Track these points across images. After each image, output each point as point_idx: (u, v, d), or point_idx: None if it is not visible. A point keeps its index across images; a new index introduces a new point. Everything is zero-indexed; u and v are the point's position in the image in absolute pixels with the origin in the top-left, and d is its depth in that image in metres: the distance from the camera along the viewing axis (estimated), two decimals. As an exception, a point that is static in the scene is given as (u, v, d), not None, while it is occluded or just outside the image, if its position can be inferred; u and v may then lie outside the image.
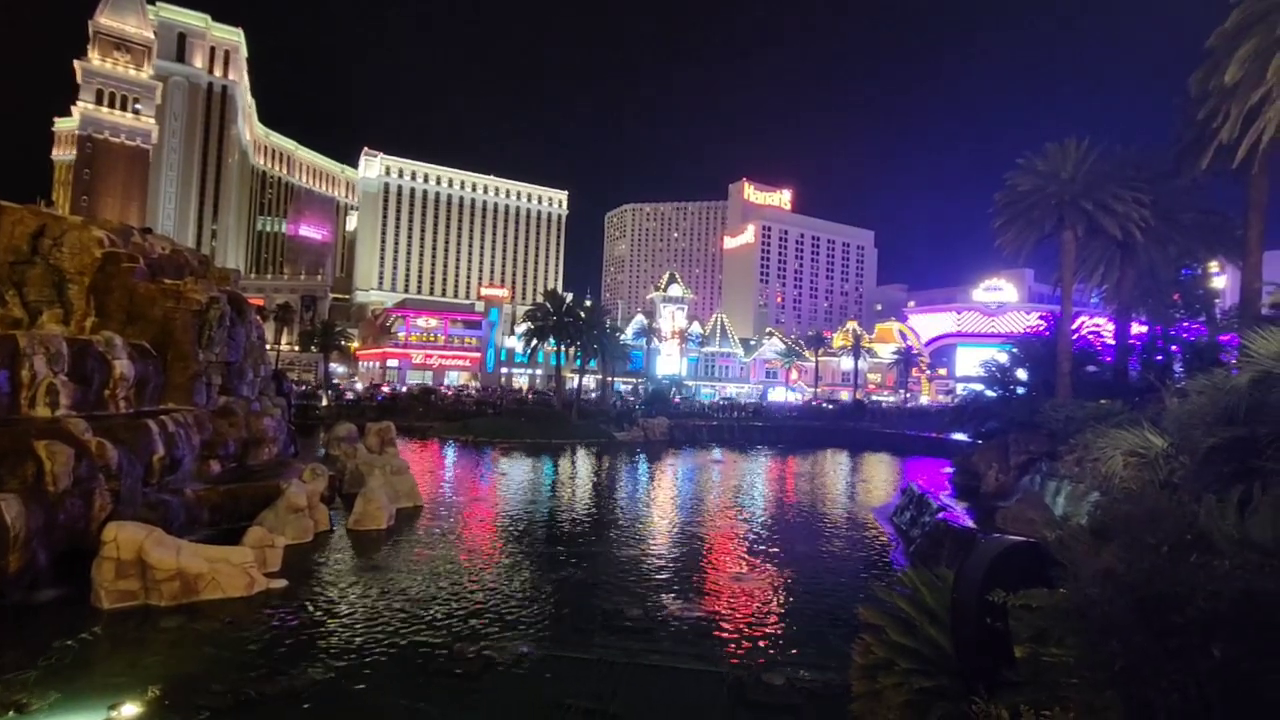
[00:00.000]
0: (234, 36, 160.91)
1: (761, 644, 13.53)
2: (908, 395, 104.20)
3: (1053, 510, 17.56)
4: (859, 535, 24.74)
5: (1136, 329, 31.00)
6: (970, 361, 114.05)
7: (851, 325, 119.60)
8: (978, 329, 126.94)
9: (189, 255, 28.65)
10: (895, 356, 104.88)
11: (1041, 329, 32.83)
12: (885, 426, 70.19)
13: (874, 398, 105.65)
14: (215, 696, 10.21)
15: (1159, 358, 27.67)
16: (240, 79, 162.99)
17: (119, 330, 20.62)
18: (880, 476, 43.63)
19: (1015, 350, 32.25)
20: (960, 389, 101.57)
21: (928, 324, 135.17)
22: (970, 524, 19.50)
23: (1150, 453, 11.54)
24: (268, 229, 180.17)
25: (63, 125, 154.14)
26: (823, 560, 20.87)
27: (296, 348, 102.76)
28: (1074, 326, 29.87)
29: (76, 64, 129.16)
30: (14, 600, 13.41)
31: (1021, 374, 31.02)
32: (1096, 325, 34.20)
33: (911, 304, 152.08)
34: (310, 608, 14.67)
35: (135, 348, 20.31)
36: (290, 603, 14.81)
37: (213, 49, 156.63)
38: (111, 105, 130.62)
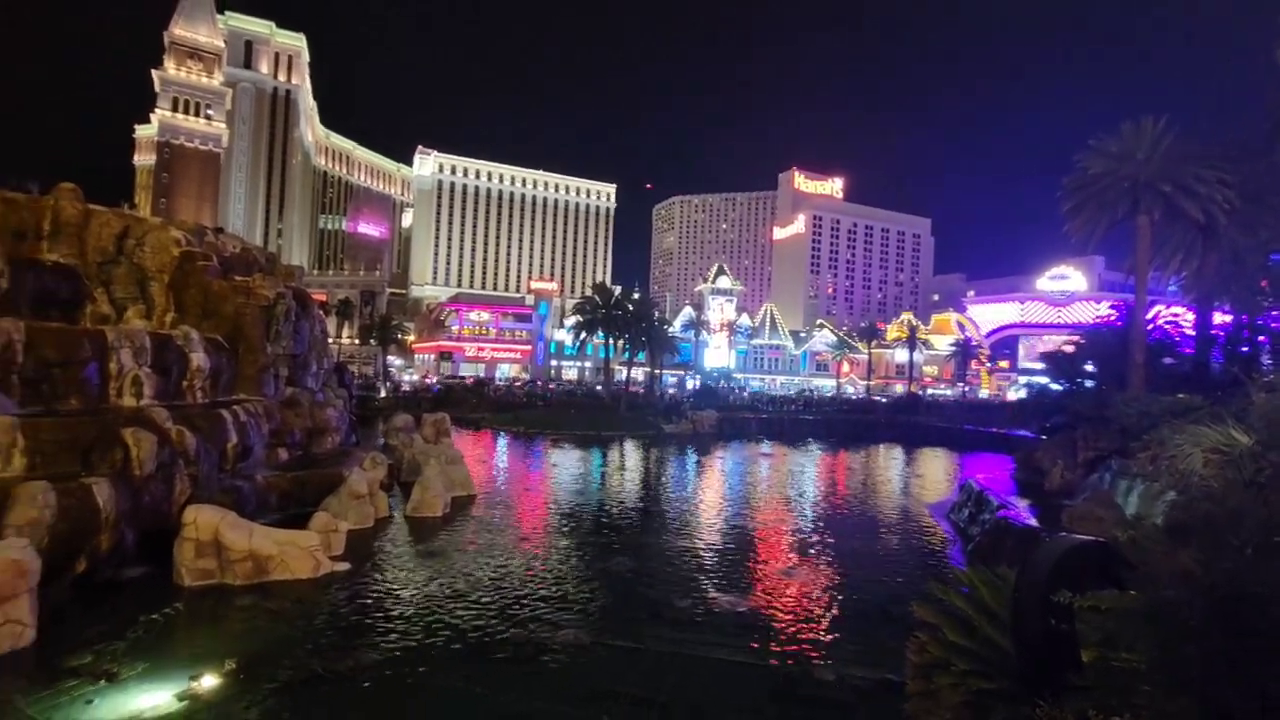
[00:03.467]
0: (296, 42, 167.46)
1: (811, 639, 13.37)
2: (966, 389, 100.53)
3: (1124, 509, 16.69)
4: (913, 532, 24.10)
5: (1219, 318, 29.04)
6: (1034, 353, 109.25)
7: (906, 316, 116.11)
8: (1043, 319, 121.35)
9: (257, 253, 30.10)
10: (953, 348, 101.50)
11: (1113, 319, 31.16)
12: (941, 421, 68.01)
13: (930, 391, 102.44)
14: (286, 671, 10.78)
15: (1244, 349, 25.87)
16: (302, 83, 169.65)
17: (195, 325, 21.87)
18: (936, 472, 42.34)
19: (1083, 341, 30.70)
20: (1023, 382, 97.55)
21: (988, 314, 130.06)
22: (1033, 522, 18.75)
23: (1234, 450, 10.81)
24: (329, 227, 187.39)
25: (143, 132, 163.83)
26: (875, 556, 20.43)
27: (357, 341, 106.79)
28: (1149, 316, 28.23)
29: (154, 73, 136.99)
30: (105, 577, 14.47)
31: (1090, 366, 29.52)
32: (1174, 315, 32.21)
33: (971, 294, 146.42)
34: (371, 590, 15.29)
35: (210, 341, 21.50)
36: (353, 585, 15.47)
37: (277, 55, 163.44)
38: (186, 111, 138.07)
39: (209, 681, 10.32)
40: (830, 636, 13.59)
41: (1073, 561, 5.76)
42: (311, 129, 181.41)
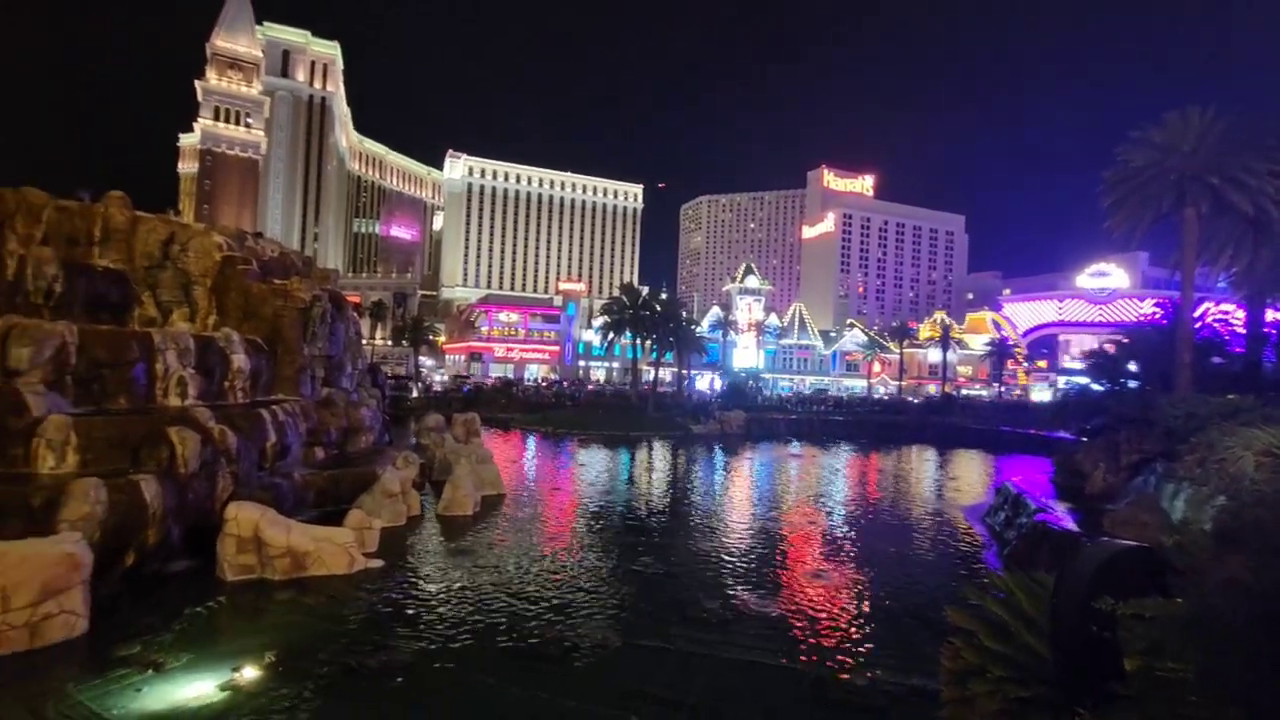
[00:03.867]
0: (331, 50, 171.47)
1: (842, 643, 13.21)
2: (1002, 389, 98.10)
3: (1170, 515, 16.13)
4: (947, 535, 23.63)
5: (1271, 316, 27.84)
6: (1073, 353, 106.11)
7: (939, 315, 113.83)
8: (1083, 318, 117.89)
9: (294, 257, 30.90)
10: (988, 348, 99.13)
11: (1157, 317, 30.11)
12: (976, 422, 66.44)
13: (964, 391, 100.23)
14: (322, 665, 11.05)
15: (1301, 348, 24.75)
16: (337, 90, 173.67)
17: (236, 327, 22.55)
18: (971, 475, 41.43)
19: (1125, 340, 29.72)
20: (1062, 382, 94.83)
21: (1025, 313, 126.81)
22: (1072, 526, 18.22)
23: (1289, 453, 10.37)
24: (362, 230, 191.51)
25: (187, 141, 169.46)
26: (907, 560, 20.09)
27: (389, 342, 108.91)
28: (1197, 314, 27.22)
29: (197, 84, 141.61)
30: (152, 570, 15.02)
31: (1133, 366, 28.58)
32: (1224, 312, 30.97)
33: (1007, 292, 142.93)
34: (404, 587, 15.59)
35: (249, 343, 22.14)
36: (386, 581, 15.78)
37: (313, 63, 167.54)
38: (227, 120, 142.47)
39: (250, 673, 10.64)
40: (861, 640, 13.40)
41: (1115, 567, 5.60)
42: (345, 135, 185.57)
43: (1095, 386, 29.93)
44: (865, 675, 11.48)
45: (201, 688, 10.22)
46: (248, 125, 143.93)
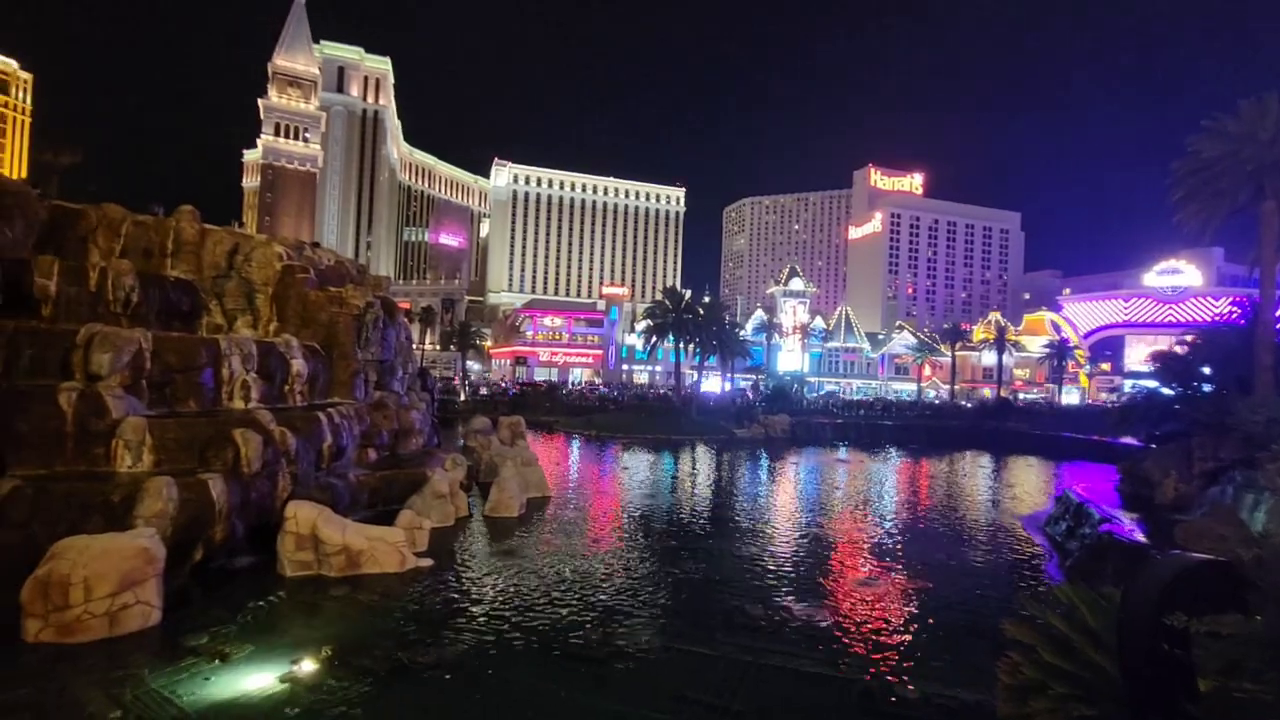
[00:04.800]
0: (384, 65, 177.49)
1: (892, 653, 12.86)
2: (1062, 393, 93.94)
3: (1249, 526, 15.14)
4: (1003, 545, 22.74)
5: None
6: (1140, 355, 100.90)
7: (994, 316, 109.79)
8: (1150, 318, 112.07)
9: (349, 265, 32.01)
10: (1046, 350, 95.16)
11: (1234, 316, 28.33)
12: (1034, 427, 63.82)
13: (1021, 395, 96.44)
14: (375, 661, 11.38)
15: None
16: (388, 103, 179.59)
17: (294, 333, 23.50)
18: (1029, 482, 39.78)
19: (1198, 341, 28.04)
20: (1128, 386, 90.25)
21: (1087, 313, 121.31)
22: (1141, 538, 17.32)
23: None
24: (412, 239, 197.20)
25: (250, 156, 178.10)
26: (960, 569, 19.41)
27: (438, 347, 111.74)
28: (1278, 314, 25.47)
29: (260, 102, 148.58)
30: (218, 565, 15.78)
31: (1206, 369, 26.94)
32: (1309, 311, 28.86)
33: (1067, 291, 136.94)
34: (453, 586, 15.93)
35: (307, 348, 23.05)
36: (436, 580, 16.17)
37: (366, 78, 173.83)
38: (287, 135, 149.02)
39: (308, 666, 11.05)
40: (913, 651, 13.01)
41: (1189, 582, 5.29)
42: (396, 146, 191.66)
43: (1165, 390, 28.33)
44: (916, 687, 11.14)
45: (263, 679, 10.67)
46: (306, 140, 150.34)
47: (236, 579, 15.63)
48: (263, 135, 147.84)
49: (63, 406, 15.47)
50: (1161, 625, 4.86)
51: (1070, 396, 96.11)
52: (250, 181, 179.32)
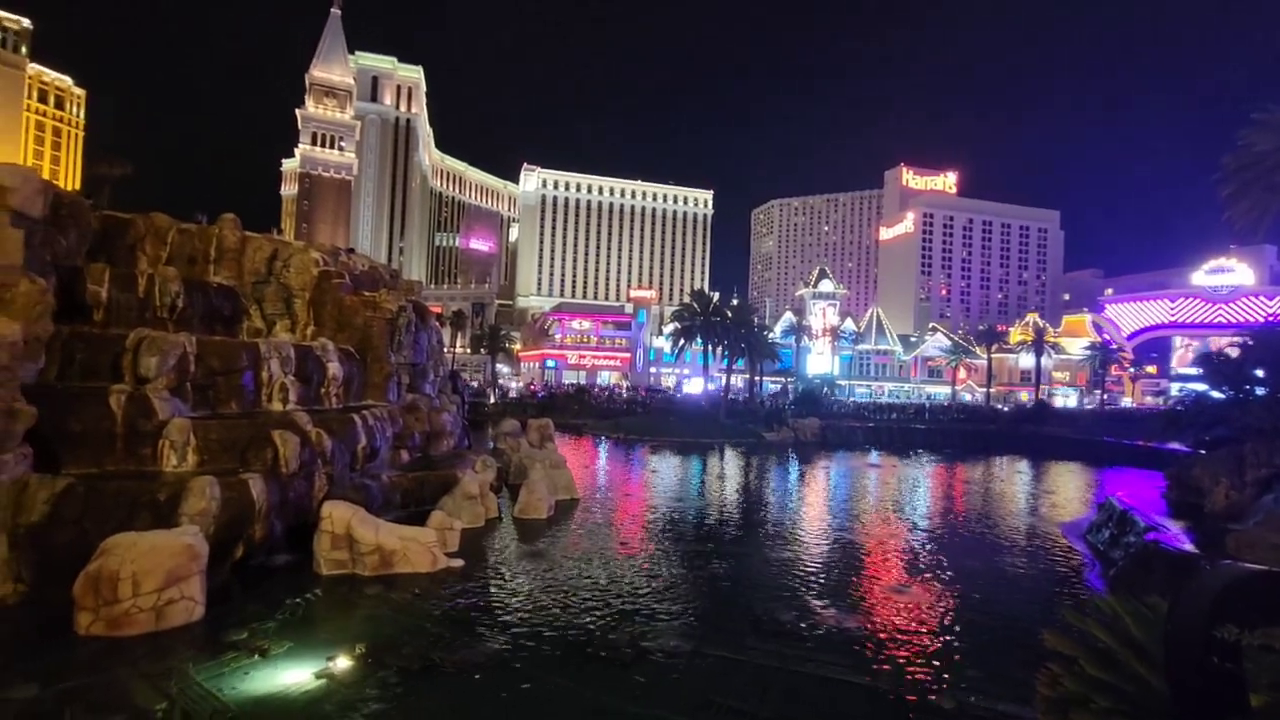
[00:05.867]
0: (416, 74, 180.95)
1: (926, 662, 12.59)
2: (1105, 396, 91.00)
3: (1307, 537, 14.45)
4: (1042, 553, 22.09)
5: None
6: (1187, 357, 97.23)
7: (1032, 318, 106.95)
8: (1199, 319, 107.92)
9: (382, 270, 32.67)
10: (1087, 352, 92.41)
11: (1289, 316, 27.07)
12: (1075, 432, 61.96)
13: (1060, 399, 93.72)
14: (407, 659, 11.57)
15: None
16: (420, 111, 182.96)
17: (330, 337, 24.08)
18: (1068, 488, 38.59)
19: (1250, 342, 26.91)
20: (1175, 389, 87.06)
21: (1131, 314, 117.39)
22: (1189, 547, 16.67)
23: None
24: (443, 244, 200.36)
25: (288, 165, 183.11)
26: (998, 578, 18.92)
27: (468, 350, 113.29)
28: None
29: (298, 112, 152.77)
30: (257, 562, 16.22)
31: (1260, 372, 25.84)
32: (1371, 311, 27.47)
33: (1109, 292, 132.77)
34: (483, 587, 16.11)
35: (342, 351, 23.59)
36: (466, 581, 16.36)
37: (398, 87, 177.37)
38: (323, 145, 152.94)
39: (342, 663, 11.28)
40: (947, 661, 12.72)
41: (1241, 593, 5.07)
42: (428, 153, 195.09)
43: (1215, 394, 27.26)
44: (950, 698, 10.89)
45: (300, 675, 10.93)
46: (341, 148, 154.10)
47: (275, 576, 16.03)
48: (300, 144, 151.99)
49: (113, 408, 16.10)
50: (1211, 638, 4.67)
51: (1114, 400, 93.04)
52: (288, 189, 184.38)
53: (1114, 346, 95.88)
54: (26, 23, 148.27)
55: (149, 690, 10.23)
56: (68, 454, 15.50)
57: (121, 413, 16.14)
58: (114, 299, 19.30)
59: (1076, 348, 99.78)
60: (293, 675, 10.91)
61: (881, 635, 13.90)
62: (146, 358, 17.38)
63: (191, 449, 16.62)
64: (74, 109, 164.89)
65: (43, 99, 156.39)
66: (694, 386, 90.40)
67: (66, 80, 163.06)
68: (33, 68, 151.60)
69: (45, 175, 24.36)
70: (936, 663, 12.61)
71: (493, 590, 15.96)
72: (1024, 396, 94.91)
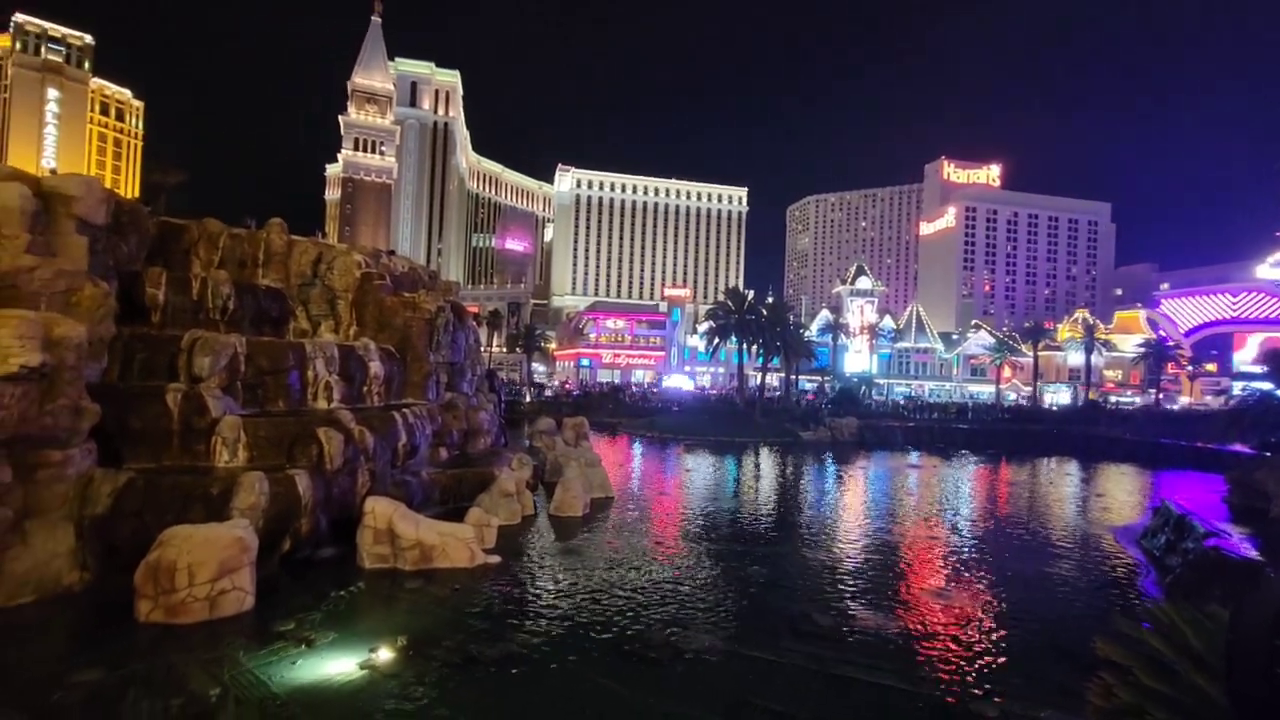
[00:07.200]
0: (453, 79, 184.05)
1: (969, 668, 12.27)
2: (1161, 395, 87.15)
3: (1385, 545, 13.61)
4: (1093, 559, 21.30)
5: None
6: (1251, 355, 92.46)
7: (1081, 314, 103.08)
8: (1264, 314, 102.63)
9: (421, 271, 33.37)
10: (1141, 349, 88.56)
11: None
12: (1128, 432, 59.49)
13: (1113, 399, 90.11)
14: (447, 652, 11.81)
15: None
16: (458, 115, 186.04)
17: (372, 337, 24.71)
18: (1121, 491, 37.11)
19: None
20: (1238, 388, 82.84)
21: (1189, 310, 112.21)
22: (1253, 554, 15.86)
23: None
24: (480, 244, 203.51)
25: (331, 170, 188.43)
26: (1044, 582, 18.31)
27: (504, 349, 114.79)
28: None
29: (341, 119, 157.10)
30: (304, 555, 16.74)
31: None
32: None
33: (1165, 286, 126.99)
34: (520, 583, 16.32)
35: (383, 351, 24.17)
36: (503, 577, 16.61)
37: (437, 91, 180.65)
38: (364, 150, 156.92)
39: (385, 654, 11.59)
40: (991, 667, 12.39)
41: (1309, 603, 4.81)
42: (465, 156, 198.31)
43: (1281, 393, 25.85)
44: (996, 706, 10.59)
45: (344, 665, 11.26)
46: (382, 153, 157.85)
47: (320, 569, 16.52)
48: (343, 150, 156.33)
49: (170, 406, 16.83)
50: (1276, 648, 4.45)
51: (1171, 400, 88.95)
52: (332, 194, 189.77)
53: (1170, 343, 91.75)
54: (89, 39, 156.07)
55: (204, 676, 10.67)
56: (128, 449, 16.26)
57: (178, 410, 16.87)
58: (170, 301, 20.18)
59: (1129, 345, 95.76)
60: (337, 665, 11.24)
61: (922, 640, 13.61)
62: (200, 358, 18.12)
63: (242, 445, 17.25)
64: (133, 120, 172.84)
65: (104, 111, 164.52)
66: (676, 381, 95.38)
67: (126, 93, 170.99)
68: (95, 82, 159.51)
69: (107, 184, 25.54)
70: (980, 669, 12.29)
71: (529, 586, 16.16)
72: (1064, 396, 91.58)
